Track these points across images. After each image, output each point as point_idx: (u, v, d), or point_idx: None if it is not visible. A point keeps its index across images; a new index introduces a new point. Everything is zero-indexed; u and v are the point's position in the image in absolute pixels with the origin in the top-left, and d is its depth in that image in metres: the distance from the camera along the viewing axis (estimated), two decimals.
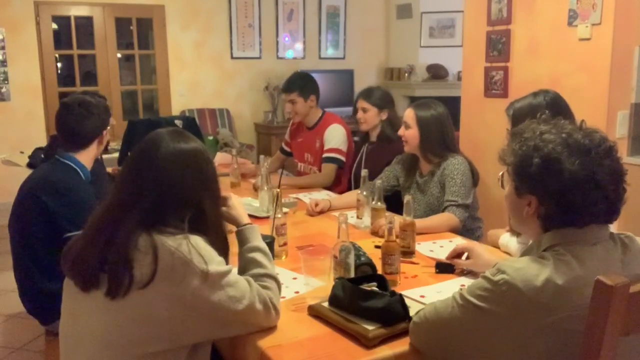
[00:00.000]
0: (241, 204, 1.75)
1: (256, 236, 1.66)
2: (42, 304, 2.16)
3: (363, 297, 1.50)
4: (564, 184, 1.21)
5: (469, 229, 2.64)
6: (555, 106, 2.21)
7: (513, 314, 1.18)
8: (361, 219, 2.50)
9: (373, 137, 3.25)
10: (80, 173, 2.24)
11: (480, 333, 1.23)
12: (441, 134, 2.63)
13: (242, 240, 1.65)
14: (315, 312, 1.58)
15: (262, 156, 3.09)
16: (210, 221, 1.44)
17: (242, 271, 1.59)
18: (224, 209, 1.66)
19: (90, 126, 2.27)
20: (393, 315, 1.46)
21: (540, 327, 1.16)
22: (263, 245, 1.65)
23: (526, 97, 2.32)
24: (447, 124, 2.67)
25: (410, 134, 2.66)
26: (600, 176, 1.20)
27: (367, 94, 3.23)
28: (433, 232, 2.38)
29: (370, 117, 3.18)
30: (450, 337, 1.31)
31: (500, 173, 1.39)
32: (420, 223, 2.27)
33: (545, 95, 2.28)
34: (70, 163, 2.24)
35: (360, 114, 3.21)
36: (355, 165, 3.34)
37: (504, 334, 1.20)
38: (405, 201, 2.06)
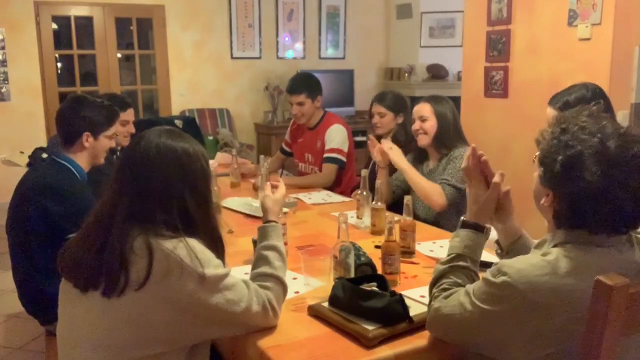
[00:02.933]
0: (278, 200, 1.77)
1: (277, 235, 1.67)
2: (41, 304, 2.15)
3: (363, 297, 1.50)
4: (578, 191, 1.18)
5: None
6: (604, 101, 2.17)
7: (515, 314, 1.18)
8: (361, 219, 2.51)
9: None
10: (76, 174, 2.23)
11: (492, 331, 1.24)
12: (455, 123, 2.72)
13: (261, 236, 1.66)
14: (315, 312, 1.58)
15: (262, 156, 3.09)
16: (198, 222, 1.40)
17: (253, 267, 1.60)
18: (263, 193, 1.73)
19: (74, 122, 2.25)
20: (393, 315, 1.46)
21: (541, 328, 1.16)
22: (281, 245, 1.65)
23: (578, 88, 2.23)
24: (458, 115, 2.79)
25: (428, 126, 2.68)
26: (618, 193, 1.15)
27: (382, 98, 3.21)
28: (422, 191, 2.58)
29: (387, 122, 3.17)
30: (465, 335, 1.31)
31: (537, 153, 1.33)
32: (417, 176, 2.57)
33: (595, 88, 2.24)
34: (66, 163, 2.23)
35: (376, 119, 3.19)
36: (370, 168, 3.31)
37: (511, 331, 1.20)
38: (405, 201, 2.06)
